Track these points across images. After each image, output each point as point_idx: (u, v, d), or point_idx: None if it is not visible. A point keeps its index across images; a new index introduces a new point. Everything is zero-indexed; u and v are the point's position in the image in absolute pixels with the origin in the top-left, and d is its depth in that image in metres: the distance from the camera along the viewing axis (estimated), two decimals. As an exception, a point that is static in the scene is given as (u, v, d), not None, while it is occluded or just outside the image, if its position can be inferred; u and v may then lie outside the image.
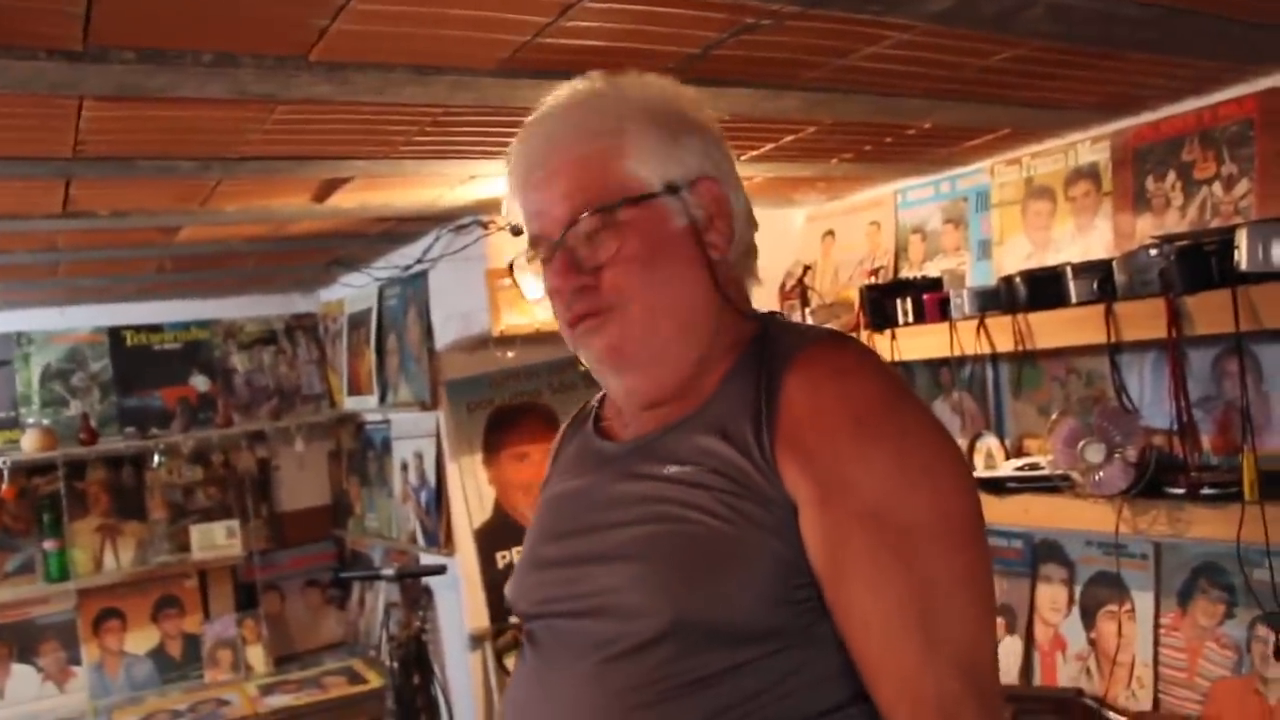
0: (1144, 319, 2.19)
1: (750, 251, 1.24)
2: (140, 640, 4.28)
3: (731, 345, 1.17)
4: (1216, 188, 2.39)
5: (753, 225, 1.24)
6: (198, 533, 4.35)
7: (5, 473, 3.92)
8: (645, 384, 1.17)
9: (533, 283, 1.24)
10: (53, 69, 1.41)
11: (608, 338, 1.15)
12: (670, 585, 1.05)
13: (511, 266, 1.25)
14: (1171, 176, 2.48)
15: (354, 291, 4.32)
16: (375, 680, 4.05)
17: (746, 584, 1.03)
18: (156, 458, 4.28)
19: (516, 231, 3.22)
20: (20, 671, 4.07)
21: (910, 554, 1.02)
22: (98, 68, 1.42)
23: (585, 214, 1.13)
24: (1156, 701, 2.39)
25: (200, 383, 4.50)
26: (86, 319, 4.31)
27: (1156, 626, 2.42)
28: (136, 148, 1.96)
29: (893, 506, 1.02)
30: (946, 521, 1.04)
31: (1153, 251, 2.17)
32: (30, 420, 4.14)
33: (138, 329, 4.41)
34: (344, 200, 2.67)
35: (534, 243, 1.20)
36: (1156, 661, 2.41)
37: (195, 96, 1.61)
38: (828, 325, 2.69)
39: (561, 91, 1.21)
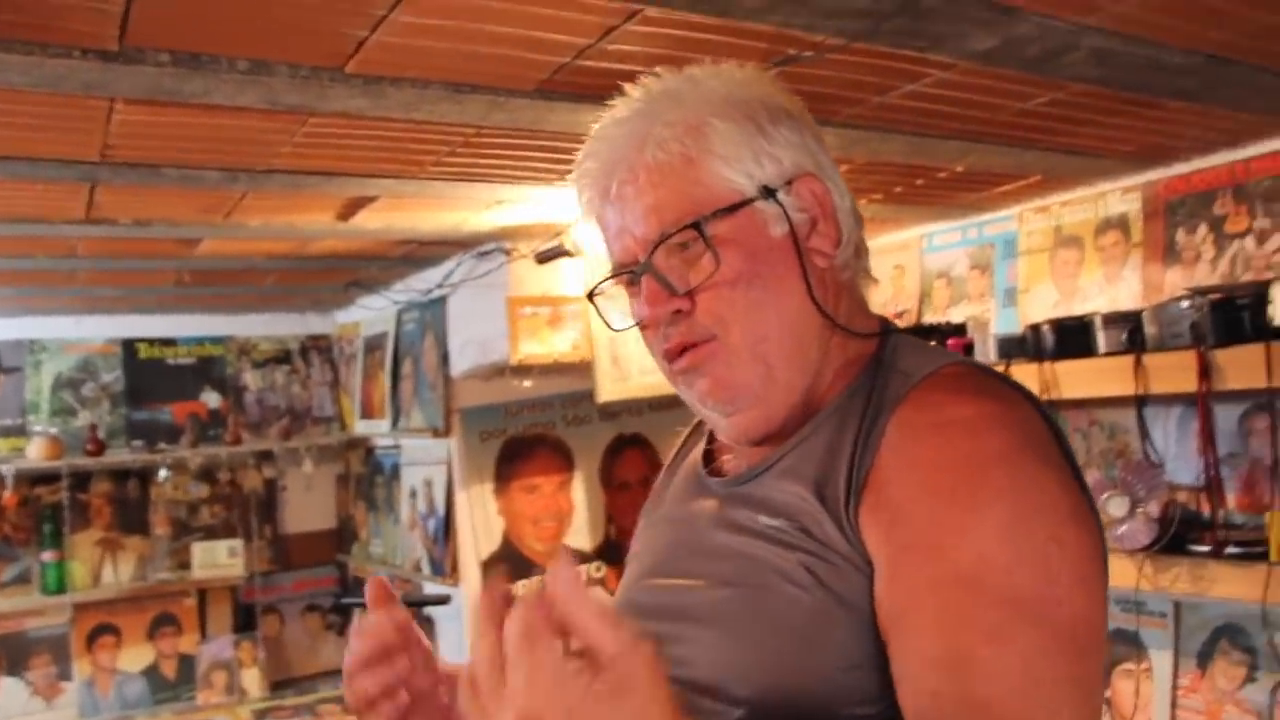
0: (1173, 371, 2.16)
1: (861, 250, 1.10)
2: (134, 658, 4.23)
3: (842, 369, 1.05)
4: (1249, 242, 2.36)
5: (859, 221, 1.10)
6: (200, 551, 4.32)
7: (8, 480, 3.89)
8: (756, 421, 1.04)
9: (617, 313, 1.11)
10: (86, 68, 1.39)
11: (711, 376, 1.03)
12: (747, 664, 0.95)
13: (591, 295, 1.12)
14: (1203, 229, 2.45)
15: (371, 314, 4.30)
16: (372, 709, 3.99)
17: (824, 662, 0.91)
18: (163, 472, 4.27)
19: (541, 259, 3.17)
20: (8, 685, 4.02)
21: (1004, 631, 0.83)
22: (132, 69, 1.41)
23: (673, 230, 1.00)
24: (1173, 764, 2.34)
25: (211, 399, 4.49)
26: (100, 329, 4.30)
27: (1174, 687, 2.37)
28: (164, 155, 1.95)
29: (990, 577, 0.85)
30: (1055, 612, 0.84)
31: (1184, 303, 2.15)
32: (38, 428, 4.12)
33: (151, 342, 4.40)
34: (368, 220, 2.66)
35: (618, 268, 1.07)
36: (1174, 723, 2.36)
37: (228, 104, 1.60)
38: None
39: (630, 92, 1.08)
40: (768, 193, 1.02)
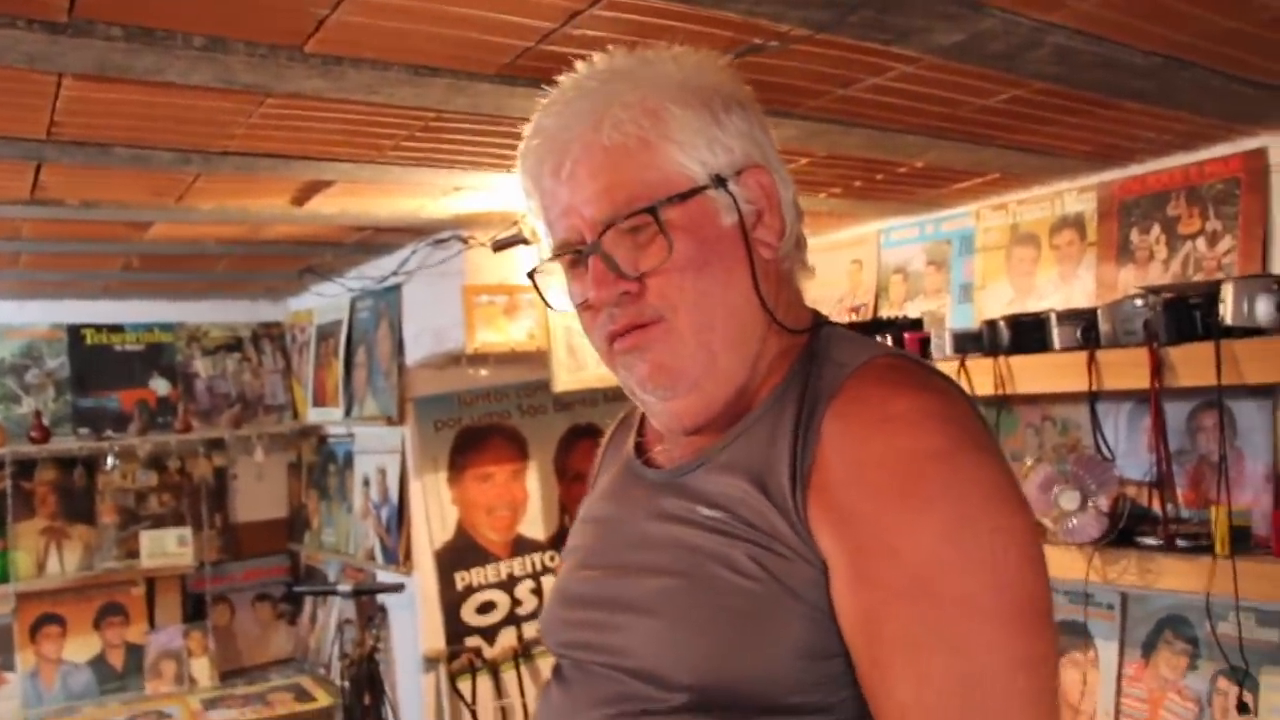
0: (1126, 368, 2.19)
1: (800, 243, 1.10)
2: (80, 648, 4.15)
3: (776, 361, 1.06)
4: (1200, 243, 2.40)
5: (800, 214, 1.10)
6: (148, 539, 4.24)
7: (-50, 468, 3.80)
8: (694, 407, 1.04)
9: (558, 293, 1.09)
10: (32, 40, 1.34)
11: (655, 357, 1.02)
12: (690, 651, 0.96)
13: (533, 275, 1.10)
14: (1156, 230, 2.49)
15: (324, 302, 4.25)
16: (323, 699, 3.96)
17: (770, 651, 0.92)
18: (110, 460, 4.18)
19: (498, 247, 3.13)
20: (-49, 676, 3.94)
21: (959, 637, 0.87)
22: (81, 42, 1.36)
23: (626, 214, 0.99)
24: (1116, 752, 2.38)
25: (160, 386, 4.40)
26: (45, 314, 4.20)
27: (1119, 676, 2.42)
28: (114, 134, 1.90)
29: (941, 580, 0.88)
30: (1004, 599, 0.88)
31: (1138, 301, 2.18)
32: (-21, 415, 4.03)
33: (98, 328, 4.30)
34: (323, 205, 2.62)
35: (562, 247, 1.05)
36: (1118, 712, 2.40)
37: (181, 82, 1.55)
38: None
39: (580, 68, 1.06)
40: (719, 181, 1.02)
